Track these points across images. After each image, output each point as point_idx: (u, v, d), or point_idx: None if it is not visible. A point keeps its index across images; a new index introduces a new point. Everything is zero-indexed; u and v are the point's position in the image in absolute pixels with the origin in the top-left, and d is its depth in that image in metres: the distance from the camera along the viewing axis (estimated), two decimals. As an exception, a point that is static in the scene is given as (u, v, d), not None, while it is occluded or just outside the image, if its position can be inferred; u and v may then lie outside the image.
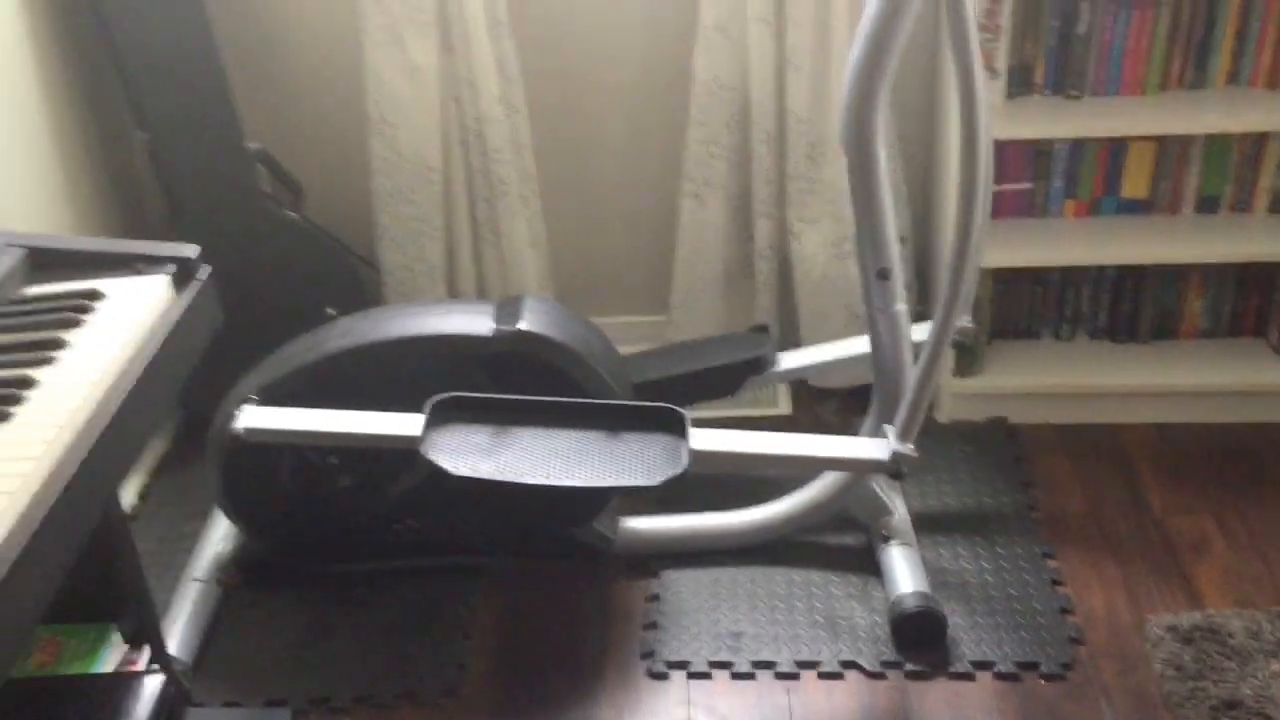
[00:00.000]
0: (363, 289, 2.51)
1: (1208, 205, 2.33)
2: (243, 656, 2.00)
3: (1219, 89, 2.23)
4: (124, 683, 1.28)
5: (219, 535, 2.15)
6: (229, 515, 2.06)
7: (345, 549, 2.11)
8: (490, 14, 2.28)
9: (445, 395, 1.82)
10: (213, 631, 2.03)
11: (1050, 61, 2.23)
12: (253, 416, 1.83)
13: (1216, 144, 2.27)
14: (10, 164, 2.03)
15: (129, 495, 2.32)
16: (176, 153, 2.29)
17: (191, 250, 1.44)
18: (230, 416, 1.84)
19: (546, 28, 2.40)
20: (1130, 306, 2.42)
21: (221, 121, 2.32)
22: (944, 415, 2.44)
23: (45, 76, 2.15)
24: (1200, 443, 2.34)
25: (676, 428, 1.83)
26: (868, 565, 2.09)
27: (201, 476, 2.24)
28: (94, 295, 1.37)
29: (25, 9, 2.09)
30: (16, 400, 1.19)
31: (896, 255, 1.86)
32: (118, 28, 2.17)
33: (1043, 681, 1.87)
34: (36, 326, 1.32)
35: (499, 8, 2.29)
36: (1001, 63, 2.21)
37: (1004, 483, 2.27)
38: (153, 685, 1.29)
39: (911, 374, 1.88)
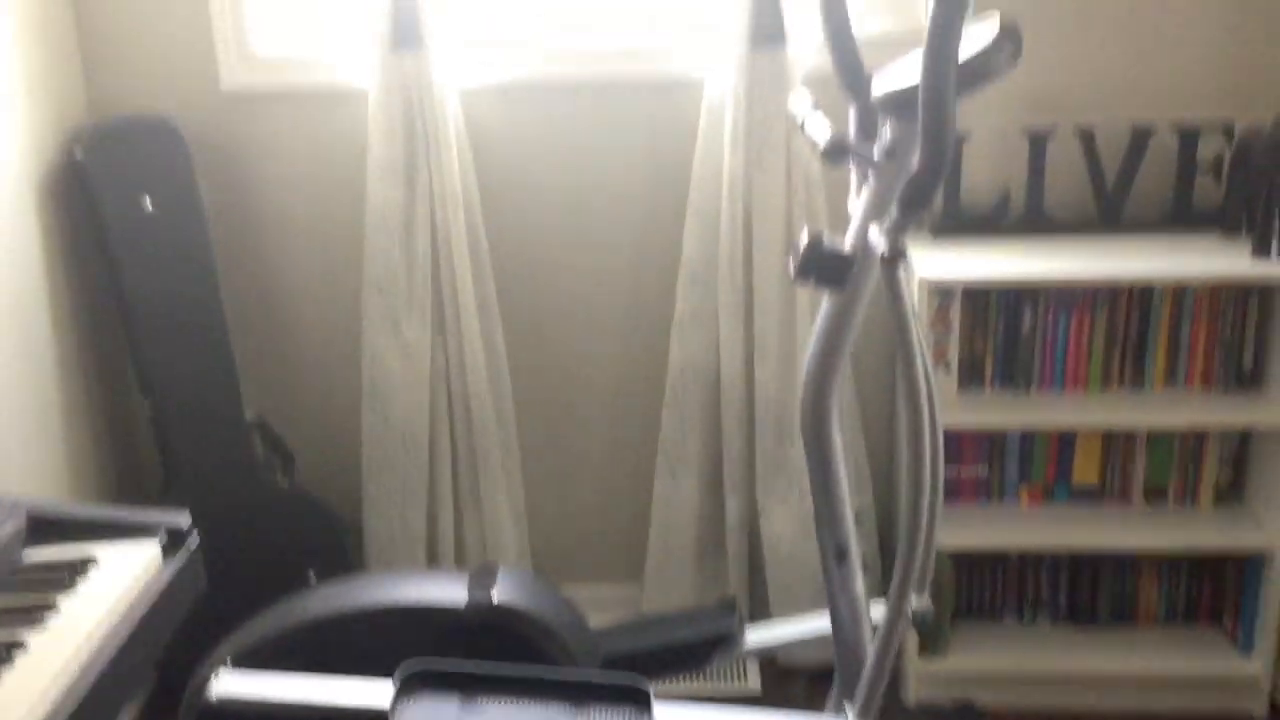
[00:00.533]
0: (346, 554, 2.59)
1: (1156, 495, 2.45)
2: None
3: (1157, 388, 2.39)
4: None
5: (182, 802, 2.14)
6: (194, 782, 2.05)
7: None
8: (481, 299, 2.47)
9: (415, 664, 1.86)
10: None
11: (999, 357, 2.39)
12: (226, 682, 1.86)
13: (1159, 438, 2.41)
14: (19, 428, 2.14)
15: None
16: (177, 421, 2.42)
17: (183, 520, 1.54)
18: (204, 681, 1.88)
19: (532, 314, 2.59)
20: (1088, 592, 2.50)
21: (224, 393, 2.46)
22: (911, 696, 2.47)
23: (60, 350, 2.30)
24: (1163, 729, 2.37)
25: (641, 702, 1.86)
26: None
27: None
28: (88, 562, 1.45)
29: (48, 288, 2.26)
30: (7, 661, 1.26)
31: (853, 536, 1.95)
32: (132, 303, 2.34)
33: None
34: (32, 591, 1.39)
35: (489, 294, 2.48)
36: (953, 357, 2.38)
37: (970, 766, 2.28)
38: None
39: (870, 654, 1.93)
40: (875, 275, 1.81)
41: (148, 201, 2.32)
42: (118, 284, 2.33)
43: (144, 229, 2.33)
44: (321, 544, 2.57)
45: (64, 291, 2.31)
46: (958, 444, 2.43)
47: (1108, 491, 2.46)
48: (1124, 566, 2.47)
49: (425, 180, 2.40)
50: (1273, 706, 2.38)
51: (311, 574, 2.51)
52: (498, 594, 1.99)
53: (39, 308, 2.22)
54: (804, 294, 2.42)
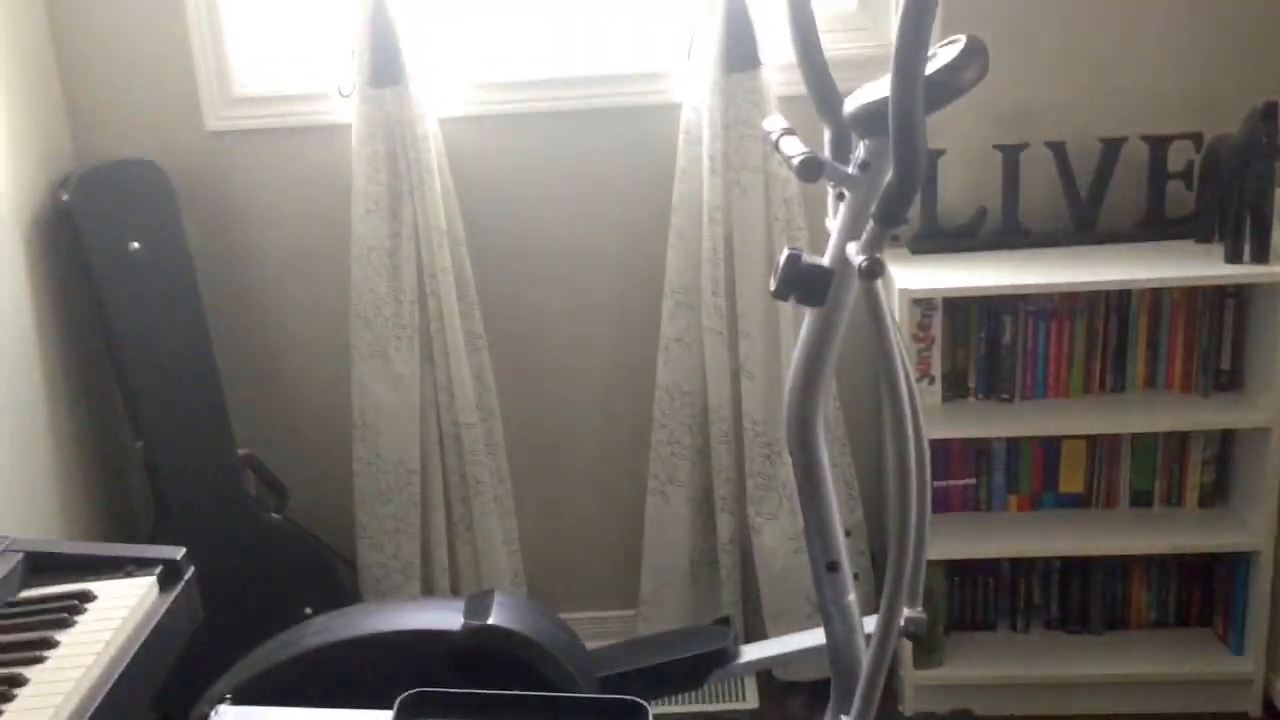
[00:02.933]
0: (342, 586, 2.60)
1: (1141, 499, 2.48)
2: None
3: (1138, 392, 2.42)
4: None
5: (184, 840, 2.14)
6: (195, 818, 2.06)
7: None
8: (468, 329, 2.49)
9: (412, 692, 1.87)
10: None
11: (981, 368, 2.42)
12: (226, 717, 1.87)
13: (1142, 443, 2.44)
14: (11, 469, 2.16)
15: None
16: (170, 460, 2.43)
17: (177, 553, 1.55)
18: (204, 717, 1.89)
19: (520, 341, 2.61)
20: (1080, 597, 2.52)
21: (215, 431, 2.48)
22: (908, 707, 2.48)
23: (50, 392, 2.31)
24: (1158, 732, 2.38)
25: (638, 721, 1.87)
26: None
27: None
28: (85, 596, 1.47)
29: (35, 330, 2.28)
30: (8, 698, 1.27)
31: (843, 548, 1.97)
32: (123, 346, 2.35)
33: None
34: (30, 627, 1.41)
35: (476, 324, 2.50)
36: (937, 369, 2.41)
37: (969, 775, 2.30)
38: None
39: (864, 664, 1.95)
40: (855, 290, 1.85)
41: (134, 243, 2.35)
42: (106, 325, 2.34)
43: (131, 270, 2.35)
44: (317, 577, 2.58)
45: (53, 334, 2.33)
46: (945, 456, 2.46)
47: (1094, 497, 2.48)
48: (1114, 571, 2.50)
49: (409, 213, 2.43)
50: (1267, 704, 2.40)
51: (308, 609, 2.51)
52: (493, 617, 2.00)
53: (28, 350, 2.24)
54: (787, 314, 2.45)
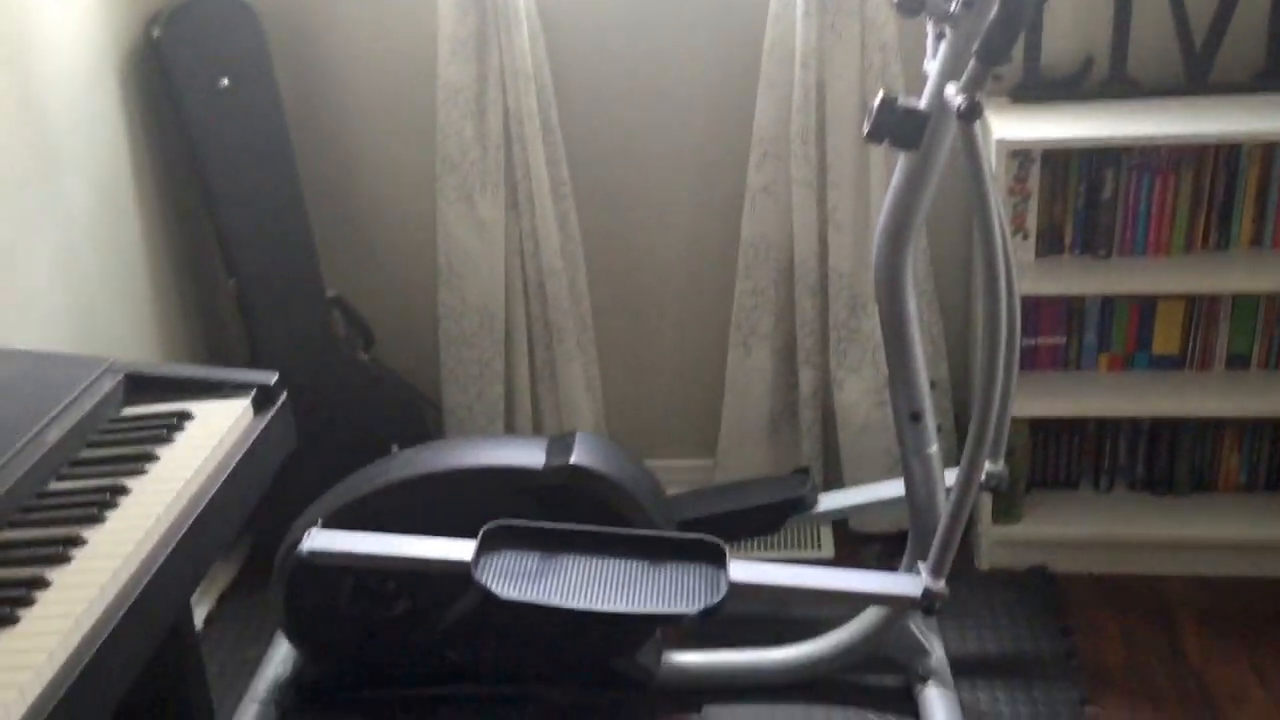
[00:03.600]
0: (426, 427, 2.66)
1: (1238, 362, 2.41)
2: (295, 776, 2.07)
3: (1243, 250, 2.34)
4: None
5: (279, 658, 2.25)
6: (290, 637, 2.16)
7: (399, 674, 2.19)
8: (554, 177, 2.48)
9: (497, 523, 1.92)
10: (268, 751, 2.11)
11: (1078, 223, 2.35)
12: (317, 539, 1.94)
13: (1242, 304, 2.36)
14: (111, 302, 2.22)
15: (196, 621, 2.43)
16: (261, 300, 2.48)
17: (271, 377, 1.59)
18: (297, 539, 1.96)
19: (605, 190, 2.59)
20: (1167, 459, 2.48)
21: (304, 272, 2.51)
22: (984, 562, 2.49)
23: (146, 227, 2.36)
24: (1239, 596, 2.36)
25: (717, 559, 1.91)
26: (905, 706, 2.12)
27: (265, 606, 2.36)
28: (183, 416, 1.51)
29: (131, 167, 2.31)
30: (110, 505, 1.33)
31: (928, 399, 1.96)
32: (214, 183, 2.38)
33: (1078, 826, 1.87)
34: (132, 442, 1.46)
35: (561, 171, 2.48)
36: (1032, 224, 2.34)
37: (1043, 629, 2.31)
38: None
39: (943, 513, 1.95)
40: (951, 135, 1.79)
41: (224, 80, 2.35)
42: (197, 162, 2.37)
43: (220, 107, 2.36)
44: (402, 418, 2.64)
45: (147, 170, 2.36)
46: (1035, 313, 2.41)
47: (1189, 359, 2.42)
48: (1204, 433, 2.45)
49: (496, 57, 2.40)
50: (1354, 573, 2.36)
51: (395, 446, 2.57)
52: (575, 457, 2.03)
53: (124, 184, 2.28)
54: (878, 164, 2.39)
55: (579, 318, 2.60)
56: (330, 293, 2.58)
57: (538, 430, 2.67)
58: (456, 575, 1.87)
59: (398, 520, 1.99)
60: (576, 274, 2.57)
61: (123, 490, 1.35)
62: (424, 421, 2.67)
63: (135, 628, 1.19)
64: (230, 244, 2.43)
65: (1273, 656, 2.20)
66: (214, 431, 1.48)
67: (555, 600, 1.82)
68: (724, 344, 2.60)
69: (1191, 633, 2.28)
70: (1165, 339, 2.41)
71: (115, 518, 1.31)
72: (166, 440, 1.46)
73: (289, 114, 2.48)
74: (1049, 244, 2.38)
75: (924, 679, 2.12)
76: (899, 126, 1.76)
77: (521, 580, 1.85)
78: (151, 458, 1.42)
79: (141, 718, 1.69)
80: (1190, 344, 2.41)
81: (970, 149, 1.74)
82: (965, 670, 2.20)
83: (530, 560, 1.89)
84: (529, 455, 2.06)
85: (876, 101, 1.73)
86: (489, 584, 1.83)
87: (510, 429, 2.66)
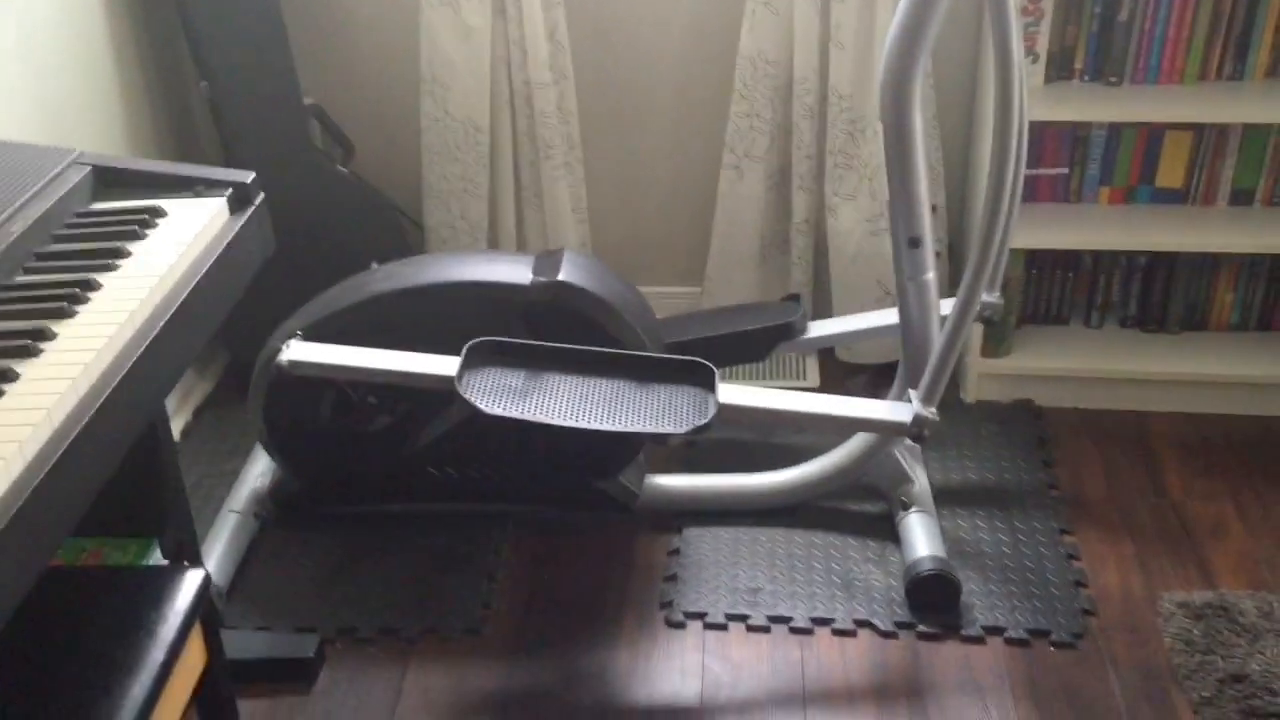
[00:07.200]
0: (407, 244, 2.58)
1: (1242, 198, 2.35)
2: (274, 586, 2.07)
3: (1258, 80, 2.26)
4: (166, 575, 1.35)
5: (257, 471, 2.22)
6: (268, 449, 2.13)
7: (379, 490, 2.18)
8: (543, -20, 2.35)
9: (482, 339, 1.87)
10: (247, 562, 2.10)
11: (1090, 47, 2.26)
12: (297, 350, 1.89)
13: (1252, 136, 2.29)
14: (79, 104, 2.11)
15: (173, 433, 2.40)
16: (235, 105, 2.37)
17: (247, 176, 1.51)
18: (275, 350, 1.91)
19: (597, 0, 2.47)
20: (1161, 296, 2.45)
21: (280, 77, 2.39)
22: (970, 395, 2.47)
23: (115, 31, 2.22)
24: (1223, 432, 2.36)
25: (705, 381, 1.87)
26: (887, 532, 2.13)
27: (242, 419, 2.32)
28: (156, 212, 1.44)
29: (98, -45, 2.17)
30: (81, 300, 1.26)
31: (928, 224, 1.90)
32: (185, -22, 2.25)
33: (1052, 649, 1.90)
34: (102, 237, 1.39)
35: (552, -26, 2.36)
36: (1042, 47, 2.25)
37: (1026, 461, 2.31)
38: (194, 579, 1.35)
39: (937, 341, 1.92)
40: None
41: None
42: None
43: (190, -106, 2.20)
44: (383, 233, 2.56)
45: (112, -38, 2.22)
46: (1039, 142, 2.33)
47: (1192, 194, 2.37)
48: (1200, 271, 2.41)
49: None
50: (1339, 412, 2.36)
51: (374, 264, 2.50)
52: (563, 274, 1.98)
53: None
54: (885, -21, 2.27)
55: (566, 135, 2.50)
56: (308, 100, 2.46)
57: (522, 250, 2.60)
58: (440, 391, 1.83)
59: (378, 336, 1.93)
60: (565, 87, 2.46)
61: (94, 285, 1.29)
62: (404, 239, 2.59)
63: (108, 425, 1.14)
64: (201, 44, 2.30)
65: (1252, 491, 2.21)
66: (189, 229, 1.41)
67: (541, 417, 1.78)
68: (716, 167, 2.52)
69: (1173, 468, 2.28)
70: (1170, 172, 2.35)
71: (86, 312, 1.25)
72: (139, 236, 1.39)
73: (262, -96, 2.32)
74: (1059, 68, 2.29)
75: (906, 506, 2.12)
76: (916, -72, 1.65)
77: (506, 397, 1.81)
78: (123, 253, 1.35)
79: (118, 524, 1.66)
80: (1195, 178, 2.35)
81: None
82: (947, 499, 2.20)
83: (516, 378, 1.85)
84: (515, 271, 2.00)
85: (894, -101, 1.62)
86: (474, 399, 1.79)
87: (494, 249, 2.59)
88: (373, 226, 2.56)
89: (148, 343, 1.22)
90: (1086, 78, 2.29)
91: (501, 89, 2.46)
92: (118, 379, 1.17)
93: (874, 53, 2.31)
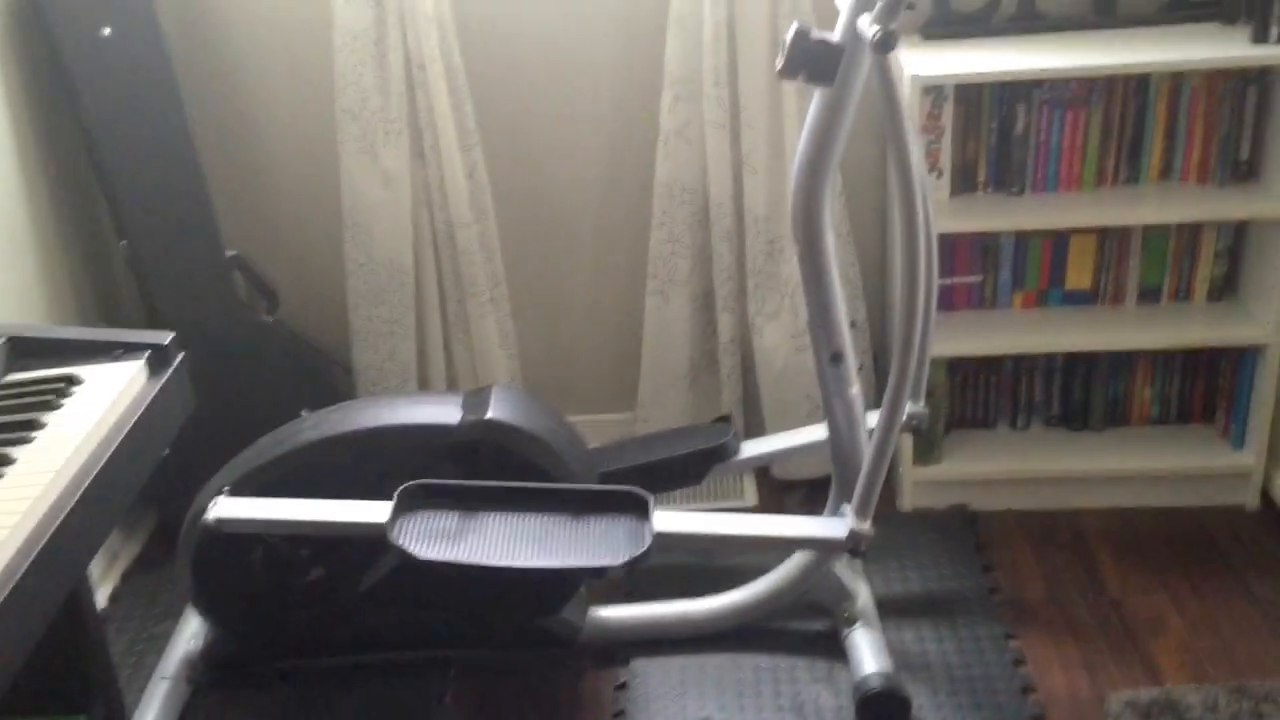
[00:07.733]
0: (336, 390, 2.57)
1: (1150, 295, 2.43)
2: (211, 752, 2.00)
3: (1152, 183, 2.35)
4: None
5: (189, 633, 2.16)
6: (199, 610, 2.07)
7: (315, 644, 2.13)
8: (459, 124, 2.39)
9: (413, 483, 1.86)
10: (181, 729, 2.03)
11: (991, 160, 2.34)
12: (224, 507, 1.86)
13: (1154, 236, 2.38)
14: (-7, 269, 2.10)
15: (100, 599, 2.33)
16: (156, 261, 2.36)
17: (166, 337, 1.51)
18: (203, 508, 1.88)
19: (514, 136, 2.51)
20: (1082, 395, 2.50)
21: (200, 230, 2.40)
22: (906, 503, 2.49)
23: (32, 191, 2.23)
24: (1155, 526, 2.39)
25: (639, 510, 1.87)
26: (833, 650, 2.11)
27: (172, 581, 2.27)
28: (72, 380, 1.43)
29: (12, 125, 2.18)
30: (-6, 476, 1.24)
31: (848, 340, 1.94)
32: (100, 140, 2.25)
33: (1006, 758, 1.89)
34: (16, 410, 1.37)
35: (467, 118, 2.40)
36: (945, 162, 2.33)
37: (965, 567, 2.32)
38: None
39: (867, 454, 1.94)
40: (866, 69, 1.76)
41: (105, 29, 2.22)
42: (81, 116, 2.24)
43: (103, 58, 2.23)
44: (312, 380, 2.55)
45: (27, 127, 2.23)
46: (951, 252, 2.40)
47: (1101, 294, 2.44)
48: (1118, 368, 2.47)
49: (394, -1, 2.31)
50: (1264, 497, 2.41)
51: (304, 412, 2.48)
52: (491, 411, 1.98)
53: (3, 142, 2.15)
54: (792, 105, 2.35)
55: (491, 271, 2.53)
56: (230, 252, 2.46)
57: (452, 388, 2.60)
58: (372, 538, 1.80)
59: (308, 486, 1.91)
60: (487, 225, 2.50)
61: (7, 460, 1.27)
62: (334, 384, 2.58)
63: (25, 602, 1.11)
64: (119, 204, 2.31)
65: (1187, 584, 2.23)
66: (106, 395, 1.39)
67: (475, 559, 1.76)
68: (641, 293, 2.55)
69: (1109, 564, 2.31)
70: (1078, 274, 2.43)
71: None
72: (54, 406, 1.37)
73: (177, 64, 2.35)
74: (963, 182, 2.37)
75: (850, 622, 2.11)
76: (813, 60, 1.72)
77: (440, 540, 1.79)
78: (38, 425, 1.34)
79: (43, 701, 1.61)
80: (1102, 279, 2.43)
81: (885, 81, 1.71)
82: (891, 611, 2.20)
83: (449, 519, 1.83)
84: (443, 411, 2.00)
85: (789, 35, 1.69)
86: (406, 545, 1.77)
87: (424, 388, 2.59)
88: (302, 374, 2.55)
89: (63, 515, 1.20)
90: (990, 189, 2.37)
91: (424, 230, 2.48)
92: (34, 553, 1.15)
93: (786, 174, 2.38)
